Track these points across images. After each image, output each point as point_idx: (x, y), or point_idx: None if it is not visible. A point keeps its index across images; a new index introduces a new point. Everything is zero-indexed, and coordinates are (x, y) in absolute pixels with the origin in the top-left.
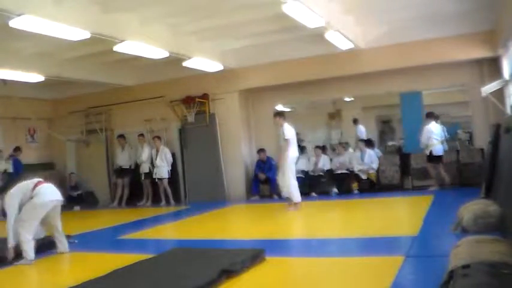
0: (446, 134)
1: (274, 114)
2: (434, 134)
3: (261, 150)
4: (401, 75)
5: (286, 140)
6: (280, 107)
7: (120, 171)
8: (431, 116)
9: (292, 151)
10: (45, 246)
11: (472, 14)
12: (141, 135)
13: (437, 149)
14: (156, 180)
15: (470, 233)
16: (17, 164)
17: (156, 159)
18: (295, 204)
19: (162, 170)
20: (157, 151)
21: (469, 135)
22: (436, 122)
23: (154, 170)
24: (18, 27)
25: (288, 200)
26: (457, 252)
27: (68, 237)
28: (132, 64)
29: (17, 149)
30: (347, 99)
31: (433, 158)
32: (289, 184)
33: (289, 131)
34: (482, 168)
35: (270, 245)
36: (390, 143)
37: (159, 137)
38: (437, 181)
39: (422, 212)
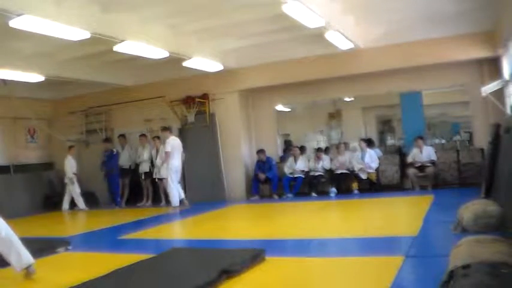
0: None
1: (161, 129)
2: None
3: (260, 151)
4: (401, 75)
5: (167, 153)
6: (280, 107)
7: (120, 171)
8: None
9: (175, 160)
10: (43, 247)
11: (472, 14)
12: (143, 135)
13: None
14: (156, 180)
15: (471, 233)
16: (108, 159)
17: (156, 159)
18: (174, 207)
19: (162, 170)
20: (157, 151)
21: (469, 135)
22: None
23: (155, 170)
24: (18, 27)
25: (182, 204)
26: (457, 252)
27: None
28: (132, 64)
29: (106, 140)
30: (347, 99)
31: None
32: (171, 189)
33: (170, 145)
34: (482, 168)
35: (270, 245)
36: (390, 142)
37: (159, 137)
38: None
39: (422, 212)
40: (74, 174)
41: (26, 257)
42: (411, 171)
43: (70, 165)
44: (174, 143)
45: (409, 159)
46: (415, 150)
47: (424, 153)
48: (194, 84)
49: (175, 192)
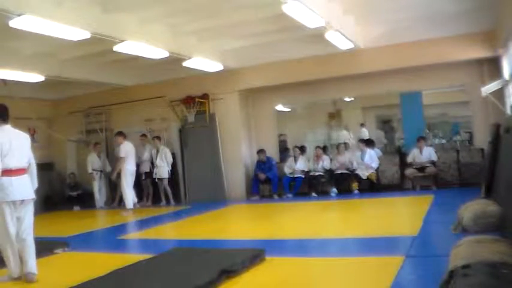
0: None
1: (115, 134)
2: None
3: (260, 151)
4: (401, 75)
5: (122, 158)
6: (280, 107)
7: (120, 171)
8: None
9: (130, 165)
10: (40, 249)
11: (472, 14)
12: (144, 135)
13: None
14: (156, 180)
15: (471, 233)
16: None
17: (156, 159)
18: (127, 210)
19: (162, 170)
20: (157, 151)
21: (469, 135)
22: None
23: (155, 170)
24: (18, 27)
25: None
26: (457, 252)
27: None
28: (132, 64)
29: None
30: (347, 99)
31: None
32: (125, 192)
33: (125, 150)
34: (482, 168)
35: (270, 245)
36: (389, 140)
37: (159, 137)
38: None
39: (422, 212)
40: (94, 170)
41: (30, 265)
42: (409, 171)
43: (90, 162)
44: (128, 148)
45: (409, 159)
46: (415, 151)
47: (424, 154)
48: (194, 84)
49: (130, 195)
